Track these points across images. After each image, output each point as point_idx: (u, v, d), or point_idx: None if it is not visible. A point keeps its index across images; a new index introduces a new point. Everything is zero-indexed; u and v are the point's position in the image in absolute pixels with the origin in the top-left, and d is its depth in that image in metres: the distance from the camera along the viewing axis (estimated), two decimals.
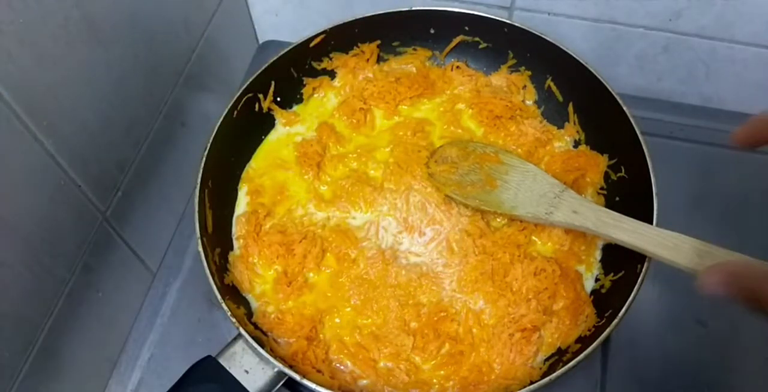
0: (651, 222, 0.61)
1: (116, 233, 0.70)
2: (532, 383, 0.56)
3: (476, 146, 0.72)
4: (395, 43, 0.80)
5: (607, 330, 0.57)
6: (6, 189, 0.53)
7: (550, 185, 0.66)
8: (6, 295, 0.55)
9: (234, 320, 0.59)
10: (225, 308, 0.59)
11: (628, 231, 0.60)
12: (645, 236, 0.59)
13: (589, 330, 0.62)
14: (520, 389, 0.55)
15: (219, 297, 0.60)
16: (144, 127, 0.73)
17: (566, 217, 0.63)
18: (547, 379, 0.56)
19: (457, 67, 0.80)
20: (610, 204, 0.71)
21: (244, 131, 0.74)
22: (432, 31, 0.80)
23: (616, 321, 0.58)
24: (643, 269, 0.60)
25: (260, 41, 1.01)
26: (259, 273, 0.68)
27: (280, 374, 0.58)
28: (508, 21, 0.75)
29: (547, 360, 0.63)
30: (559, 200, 0.65)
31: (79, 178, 0.62)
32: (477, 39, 0.79)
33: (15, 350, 0.58)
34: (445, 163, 0.71)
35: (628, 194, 0.69)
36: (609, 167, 0.72)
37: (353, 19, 0.76)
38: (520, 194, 0.67)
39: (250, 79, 0.73)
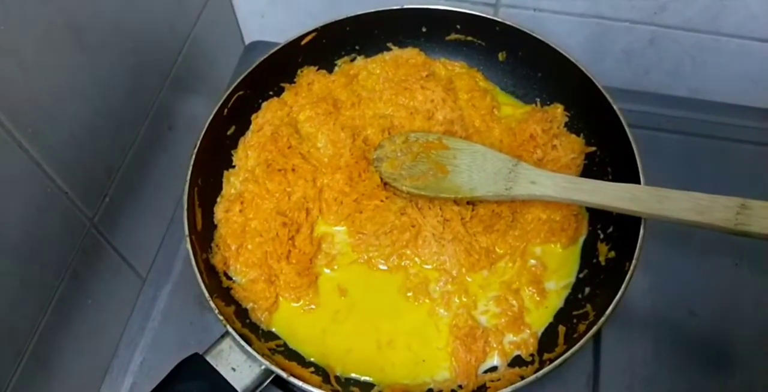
0: None
1: (105, 239, 0.70)
2: (522, 378, 0.56)
3: (417, 136, 0.71)
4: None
5: (596, 326, 0.58)
6: None
7: (501, 160, 0.66)
8: None
9: (221, 317, 0.59)
10: (213, 306, 0.60)
11: (587, 191, 0.61)
12: (604, 192, 0.60)
13: (581, 324, 0.63)
14: (509, 386, 0.56)
15: (207, 294, 0.60)
16: (131, 131, 0.72)
17: (526, 189, 0.64)
18: (534, 376, 0.56)
19: None
20: None
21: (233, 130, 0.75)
22: (424, 29, 0.80)
23: (603, 318, 0.58)
24: (631, 267, 0.60)
25: (246, 42, 1.01)
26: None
27: (267, 371, 0.58)
28: (500, 19, 0.75)
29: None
30: (515, 174, 0.65)
31: (65, 184, 0.62)
32: (470, 38, 0.79)
33: (4, 358, 0.57)
34: (386, 160, 0.70)
35: None
36: (597, 160, 0.73)
37: (345, 17, 0.76)
38: (475, 176, 0.66)
39: (240, 78, 0.73)
